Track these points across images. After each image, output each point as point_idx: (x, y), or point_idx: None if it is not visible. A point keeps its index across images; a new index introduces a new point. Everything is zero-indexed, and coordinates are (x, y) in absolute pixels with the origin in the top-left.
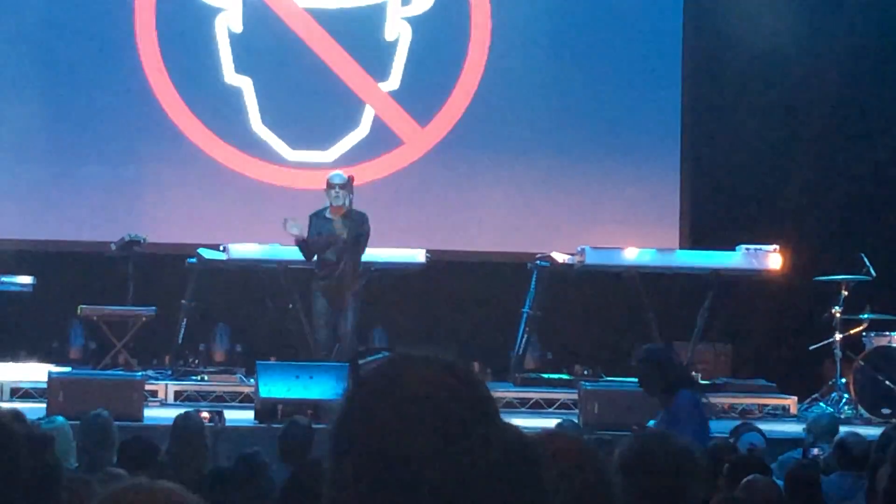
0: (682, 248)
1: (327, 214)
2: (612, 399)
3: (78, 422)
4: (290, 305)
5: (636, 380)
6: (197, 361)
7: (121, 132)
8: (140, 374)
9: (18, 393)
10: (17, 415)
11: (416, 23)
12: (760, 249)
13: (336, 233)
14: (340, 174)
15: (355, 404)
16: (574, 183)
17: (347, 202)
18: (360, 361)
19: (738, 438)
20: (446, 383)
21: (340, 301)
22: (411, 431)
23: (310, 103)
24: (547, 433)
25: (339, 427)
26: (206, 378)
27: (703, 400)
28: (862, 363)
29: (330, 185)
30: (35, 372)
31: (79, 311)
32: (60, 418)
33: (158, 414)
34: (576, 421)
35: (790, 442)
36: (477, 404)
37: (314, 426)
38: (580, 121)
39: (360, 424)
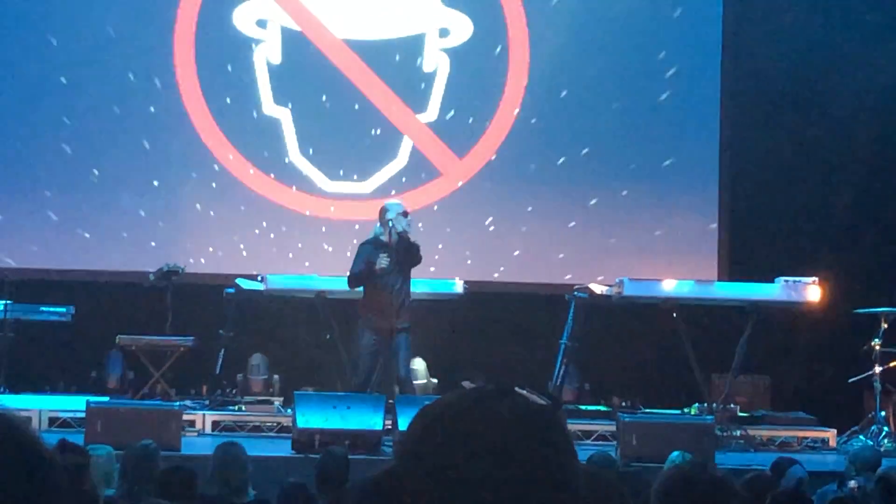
0: (720, 280)
1: (378, 241)
2: (651, 431)
3: (120, 451)
4: (328, 336)
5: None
6: (234, 391)
7: (159, 162)
8: (178, 403)
9: (57, 422)
10: (62, 444)
11: (455, 54)
12: (799, 282)
13: (378, 263)
14: (390, 203)
15: (427, 430)
16: (612, 214)
17: (393, 232)
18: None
19: (782, 472)
20: (525, 421)
21: (388, 333)
22: (481, 465)
23: (348, 134)
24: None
25: (405, 450)
26: (243, 408)
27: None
28: None
29: (379, 214)
30: (73, 401)
31: (117, 341)
32: (108, 447)
33: (196, 443)
34: (612, 454)
35: (829, 475)
36: (553, 449)
37: (350, 457)
38: (618, 152)
39: (428, 452)
